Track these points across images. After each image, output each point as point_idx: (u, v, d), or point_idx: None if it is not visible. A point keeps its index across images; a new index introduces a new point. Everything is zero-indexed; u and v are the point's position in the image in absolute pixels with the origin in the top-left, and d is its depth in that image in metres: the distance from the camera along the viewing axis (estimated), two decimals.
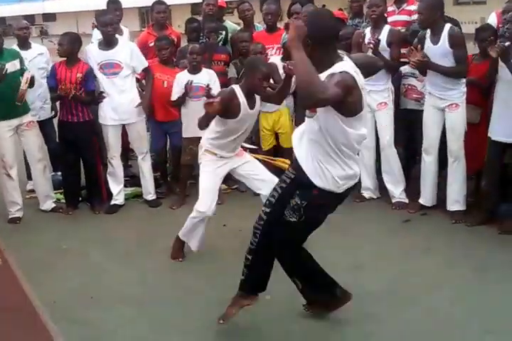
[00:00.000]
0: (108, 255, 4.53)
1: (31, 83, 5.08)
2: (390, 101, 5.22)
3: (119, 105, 5.38)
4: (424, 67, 4.78)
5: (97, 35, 6.30)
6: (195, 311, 3.65)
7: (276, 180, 3.67)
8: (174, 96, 5.40)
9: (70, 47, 5.16)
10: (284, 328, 3.43)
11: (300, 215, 3.13)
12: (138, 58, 5.44)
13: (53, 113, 5.95)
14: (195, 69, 5.36)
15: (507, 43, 4.47)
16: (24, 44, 5.70)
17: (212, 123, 4.18)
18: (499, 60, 4.39)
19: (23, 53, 5.51)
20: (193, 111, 5.37)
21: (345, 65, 2.93)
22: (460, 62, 4.63)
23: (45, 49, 5.97)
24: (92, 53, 5.36)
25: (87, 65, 5.27)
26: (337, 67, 2.90)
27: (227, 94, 4.02)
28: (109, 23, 5.26)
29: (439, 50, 4.67)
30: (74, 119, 5.26)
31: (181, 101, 5.38)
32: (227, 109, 3.99)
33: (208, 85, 5.17)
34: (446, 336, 3.27)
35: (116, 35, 5.49)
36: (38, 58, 5.67)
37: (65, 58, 5.23)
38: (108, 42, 5.35)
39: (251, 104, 4.09)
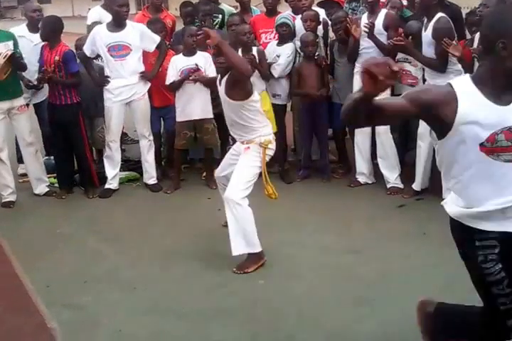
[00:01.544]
0: (102, 239, 4.51)
1: (20, 65, 5.05)
2: None
3: (127, 86, 5.31)
4: (403, 49, 4.78)
5: (92, 17, 6.23)
6: (190, 295, 3.64)
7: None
8: (169, 80, 5.35)
9: (43, 30, 5.16)
10: (277, 311, 3.43)
11: None
12: (149, 38, 5.36)
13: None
14: (191, 52, 5.32)
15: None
16: (34, 27, 5.61)
17: None
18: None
19: (32, 36, 5.50)
20: (187, 95, 5.34)
21: None
22: (437, 57, 4.57)
23: None
24: (100, 35, 5.27)
25: (67, 46, 5.21)
26: None
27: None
28: (125, 4, 5.22)
29: (426, 38, 4.66)
30: (57, 101, 5.21)
31: (177, 85, 5.33)
32: None
33: (196, 64, 5.15)
34: None
35: None
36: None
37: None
38: (119, 24, 5.26)
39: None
